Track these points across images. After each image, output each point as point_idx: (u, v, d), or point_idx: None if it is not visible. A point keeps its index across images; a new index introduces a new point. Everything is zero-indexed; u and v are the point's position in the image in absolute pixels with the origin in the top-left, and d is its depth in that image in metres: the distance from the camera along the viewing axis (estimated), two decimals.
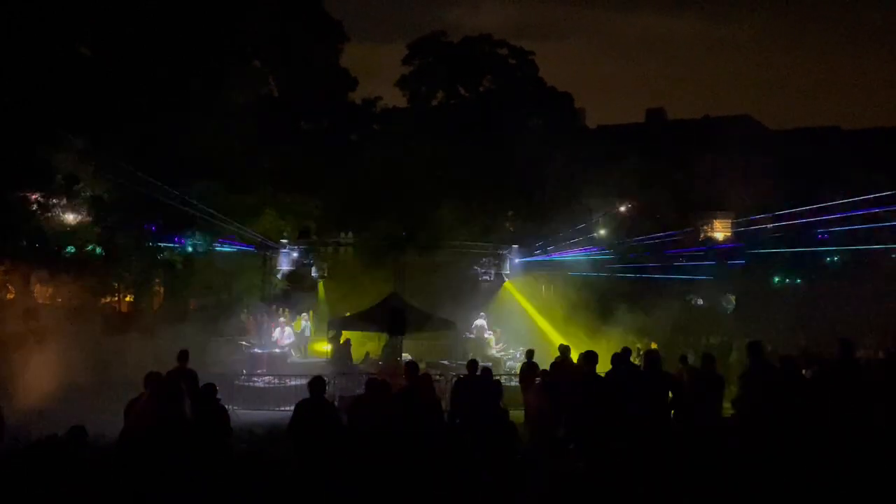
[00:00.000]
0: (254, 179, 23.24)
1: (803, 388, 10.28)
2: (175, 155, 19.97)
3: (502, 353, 20.78)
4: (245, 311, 21.78)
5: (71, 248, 19.55)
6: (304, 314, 21.42)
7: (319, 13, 29.90)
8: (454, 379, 13.00)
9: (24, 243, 18.82)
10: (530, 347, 14.75)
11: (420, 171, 27.59)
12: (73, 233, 19.58)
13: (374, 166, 27.75)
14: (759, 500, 8.77)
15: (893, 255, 21.60)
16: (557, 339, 19.47)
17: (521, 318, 23.14)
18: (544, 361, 12.15)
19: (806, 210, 22.09)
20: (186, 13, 22.33)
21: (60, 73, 19.21)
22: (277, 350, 19.75)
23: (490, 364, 17.02)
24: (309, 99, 29.16)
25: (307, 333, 21.20)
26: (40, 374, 13.56)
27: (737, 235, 28.28)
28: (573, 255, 24.79)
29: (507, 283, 23.91)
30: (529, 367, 14.09)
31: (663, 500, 8.68)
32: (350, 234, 24.16)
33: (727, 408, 10.38)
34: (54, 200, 19.15)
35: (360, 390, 11.18)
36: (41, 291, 20.76)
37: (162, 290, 24.32)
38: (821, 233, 22.72)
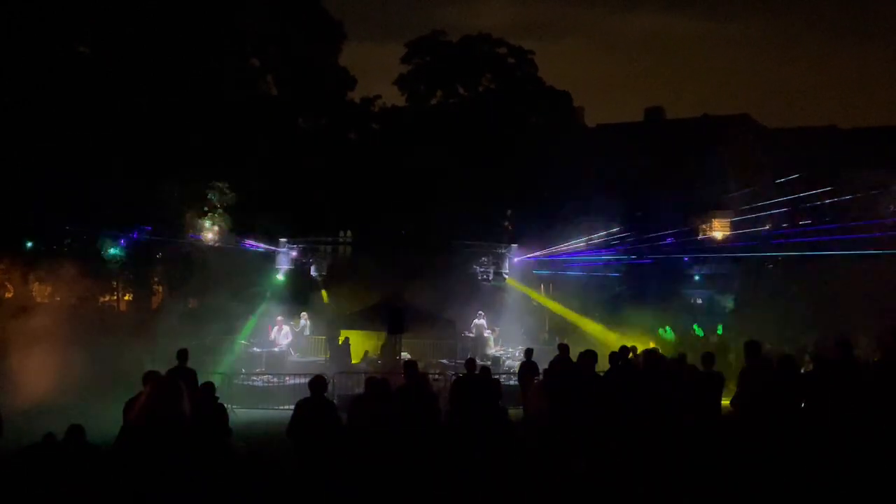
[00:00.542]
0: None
1: (801, 387, 10.31)
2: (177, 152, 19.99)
3: (501, 352, 20.78)
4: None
5: None
6: (303, 313, 21.40)
7: (318, 12, 29.87)
8: (453, 378, 12.99)
9: None
10: (529, 346, 14.79)
11: (419, 170, 27.59)
12: None
13: (373, 165, 27.76)
14: (759, 499, 8.77)
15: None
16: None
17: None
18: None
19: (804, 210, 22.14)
20: (185, 12, 22.31)
21: (60, 72, 19.22)
22: (276, 349, 19.73)
23: (489, 363, 17.05)
24: (307, 98, 29.14)
25: (306, 332, 21.18)
26: (39, 373, 13.56)
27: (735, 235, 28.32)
28: (579, 256, 24.76)
29: (511, 282, 23.82)
30: (528, 366, 14.13)
31: (663, 500, 8.69)
32: (349, 234, 24.15)
33: (726, 406, 10.39)
34: None
35: (360, 389, 11.20)
36: (40, 290, 20.74)
37: (161, 288, 24.31)
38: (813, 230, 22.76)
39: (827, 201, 21.41)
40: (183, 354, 10.99)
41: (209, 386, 9.44)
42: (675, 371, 11.20)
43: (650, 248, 24.58)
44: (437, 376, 17.50)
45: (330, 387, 11.03)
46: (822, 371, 10.17)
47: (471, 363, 11.45)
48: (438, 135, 29.51)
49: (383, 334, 19.09)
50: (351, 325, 20.12)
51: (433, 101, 34.53)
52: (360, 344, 20.28)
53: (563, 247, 24.81)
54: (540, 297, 23.92)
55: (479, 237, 24.43)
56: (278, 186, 24.42)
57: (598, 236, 26.81)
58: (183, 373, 10.01)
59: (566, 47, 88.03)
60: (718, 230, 31.28)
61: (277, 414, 14.09)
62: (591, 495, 7.42)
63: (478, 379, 11.23)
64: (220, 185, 22.19)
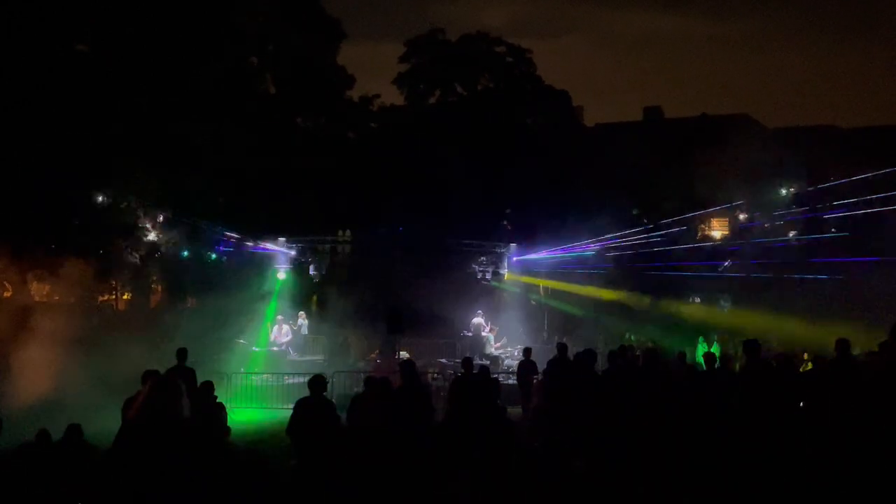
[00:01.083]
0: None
1: (799, 386, 10.31)
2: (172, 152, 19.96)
3: (500, 351, 20.78)
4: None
5: None
6: (301, 312, 21.40)
7: (317, 11, 29.85)
8: (452, 377, 12.99)
9: None
10: (527, 346, 14.78)
11: (417, 169, 27.57)
12: None
13: (371, 164, 27.74)
14: (758, 498, 8.77)
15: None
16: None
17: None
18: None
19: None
20: (184, 11, 22.28)
21: (60, 72, 19.20)
22: (275, 348, 19.72)
23: (488, 362, 17.06)
24: (306, 96, 29.12)
25: (304, 332, 21.18)
26: (37, 373, 13.54)
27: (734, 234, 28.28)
28: (580, 252, 24.63)
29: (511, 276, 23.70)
30: (527, 365, 14.15)
31: (663, 500, 8.68)
32: (348, 233, 24.13)
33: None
34: None
35: (359, 389, 11.20)
36: (38, 289, 20.71)
37: (160, 287, 24.28)
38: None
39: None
40: (182, 353, 11.00)
41: (208, 385, 9.45)
42: (674, 370, 11.24)
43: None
44: (436, 375, 17.52)
45: (329, 386, 11.04)
46: (821, 370, 10.19)
47: (467, 362, 11.45)
48: (437, 134, 29.47)
49: (382, 334, 19.10)
50: (350, 325, 20.10)
51: (432, 101, 34.53)
52: (359, 343, 20.29)
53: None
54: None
55: (477, 236, 24.41)
56: (277, 186, 24.40)
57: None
58: (182, 372, 10.02)
59: (565, 45, 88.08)
60: (717, 229, 31.31)
61: (276, 413, 14.10)
62: (591, 495, 7.41)
63: (476, 378, 11.23)
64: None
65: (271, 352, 19.50)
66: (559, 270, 23.92)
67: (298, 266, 23.23)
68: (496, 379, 13.18)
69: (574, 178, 28.27)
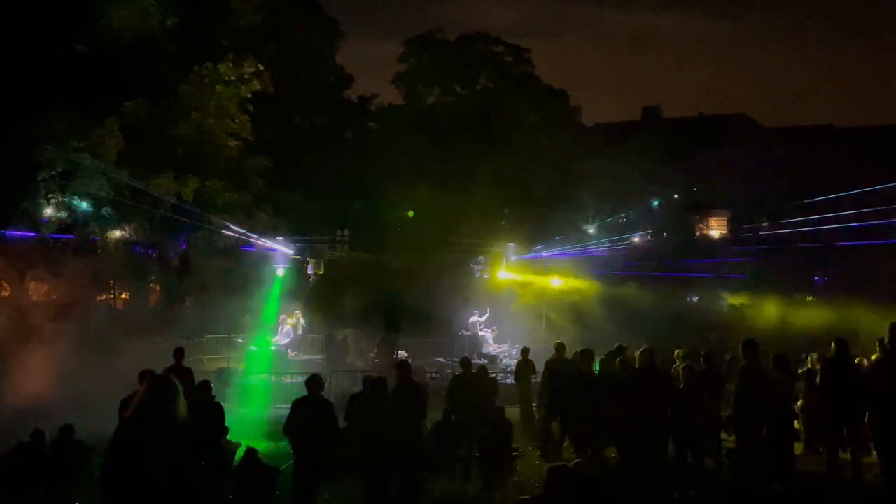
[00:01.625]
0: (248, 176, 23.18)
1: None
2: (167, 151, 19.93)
3: (499, 350, 20.78)
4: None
5: None
6: (297, 311, 21.38)
7: (315, 10, 29.83)
8: (450, 376, 12.99)
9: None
10: (525, 346, 14.75)
11: (416, 168, 27.53)
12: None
13: (370, 164, 27.69)
14: (758, 497, 8.79)
15: None
16: None
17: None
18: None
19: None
20: (182, 9, 22.23)
21: (58, 68, 19.15)
22: (273, 348, 19.69)
23: (485, 362, 17.05)
24: (304, 96, 29.08)
25: (300, 331, 21.16)
26: (35, 372, 13.52)
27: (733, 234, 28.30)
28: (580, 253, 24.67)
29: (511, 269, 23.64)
30: (525, 364, 14.14)
31: (663, 498, 8.69)
32: (346, 232, 24.11)
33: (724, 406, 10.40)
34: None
35: (357, 388, 11.17)
36: (36, 289, 20.66)
37: (158, 287, 24.23)
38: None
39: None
40: (179, 353, 10.97)
41: (206, 384, 9.43)
42: (670, 370, 11.23)
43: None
44: (434, 375, 17.52)
45: (327, 385, 11.03)
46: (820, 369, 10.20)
47: (465, 362, 11.45)
48: (436, 133, 29.46)
49: (380, 333, 19.09)
50: (348, 324, 20.08)
51: (430, 100, 34.51)
52: (357, 342, 20.28)
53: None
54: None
55: (476, 235, 24.41)
56: (275, 185, 24.37)
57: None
58: (179, 371, 9.98)
59: (563, 46, 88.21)
60: (715, 228, 31.35)
61: (275, 412, 14.07)
62: (591, 494, 7.37)
63: (474, 377, 11.24)
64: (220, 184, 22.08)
65: (269, 351, 19.48)
66: (559, 270, 23.97)
67: (296, 265, 23.23)
68: (494, 378, 13.18)
69: (572, 178, 28.25)
